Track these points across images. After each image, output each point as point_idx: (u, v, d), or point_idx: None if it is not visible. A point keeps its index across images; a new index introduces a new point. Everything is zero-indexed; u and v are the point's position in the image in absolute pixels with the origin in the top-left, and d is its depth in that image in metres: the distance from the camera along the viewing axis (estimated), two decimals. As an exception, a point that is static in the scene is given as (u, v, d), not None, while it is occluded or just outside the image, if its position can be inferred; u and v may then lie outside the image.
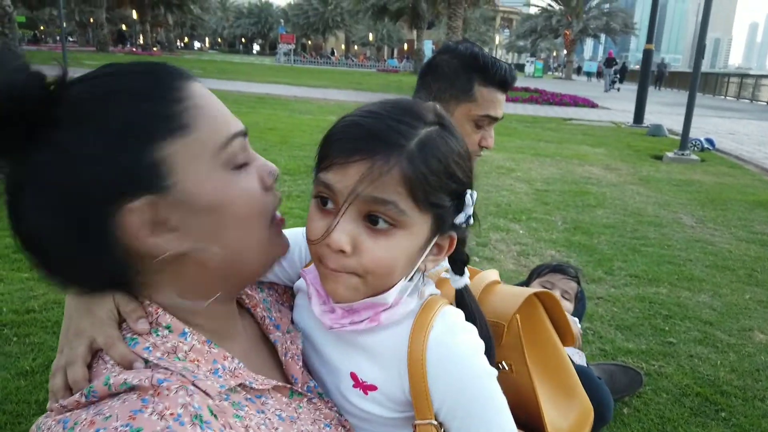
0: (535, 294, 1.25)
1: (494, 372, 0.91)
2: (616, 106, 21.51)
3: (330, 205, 0.85)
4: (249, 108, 13.52)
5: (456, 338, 0.89)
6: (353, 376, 0.93)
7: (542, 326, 1.25)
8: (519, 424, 1.18)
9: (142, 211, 0.69)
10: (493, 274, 1.27)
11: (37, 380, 2.58)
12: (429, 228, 0.87)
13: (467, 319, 0.96)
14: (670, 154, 10.21)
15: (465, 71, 1.81)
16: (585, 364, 2.33)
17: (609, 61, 34.20)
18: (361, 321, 0.89)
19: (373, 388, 0.92)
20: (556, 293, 2.49)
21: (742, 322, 3.77)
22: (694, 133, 10.90)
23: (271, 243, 0.85)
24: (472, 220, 0.92)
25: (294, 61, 49.46)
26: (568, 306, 2.51)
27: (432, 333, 0.88)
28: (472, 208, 0.91)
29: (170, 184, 0.71)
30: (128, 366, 0.73)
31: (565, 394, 1.24)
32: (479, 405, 0.89)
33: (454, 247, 0.94)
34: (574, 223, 5.83)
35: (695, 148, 11.07)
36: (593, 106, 20.73)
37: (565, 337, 1.29)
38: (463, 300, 1.02)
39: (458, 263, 1.00)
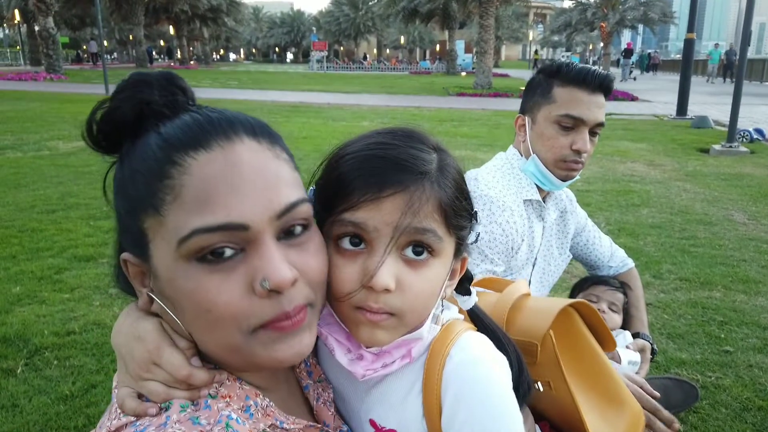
0: (570, 304, 1.17)
1: (519, 417, 0.83)
2: (658, 98, 20.90)
3: (362, 246, 0.80)
4: (283, 117, 13.64)
5: (477, 372, 0.83)
6: (372, 423, 0.89)
7: (580, 336, 1.17)
8: None
9: (131, 263, 0.76)
10: (521, 287, 1.20)
11: (77, 405, 2.58)
12: (453, 252, 0.86)
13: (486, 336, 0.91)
14: (717, 147, 9.81)
15: (546, 79, 1.95)
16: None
17: (627, 52, 36.08)
18: (393, 362, 0.85)
19: None
20: (603, 306, 2.36)
21: (805, 327, 3.54)
22: (741, 123, 10.46)
23: (251, 352, 0.72)
24: (478, 239, 0.91)
25: (327, 67, 49.81)
26: (616, 319, 2.38)
27: (448, 365, 0.83)
28: (480, 227, 0.90)
29: (150, 254, 0.72)
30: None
31: (612, 402, 1.17)
32: None
33: (465, 269, 0.93)
34: (618, 224, 5.63)
35: (744, 140, 10.61)
36: (633, 99, 20.18)
37: (606, 343, 1.22)
38: (477, 319, 0.97)
39: (464, 283, 0.96)
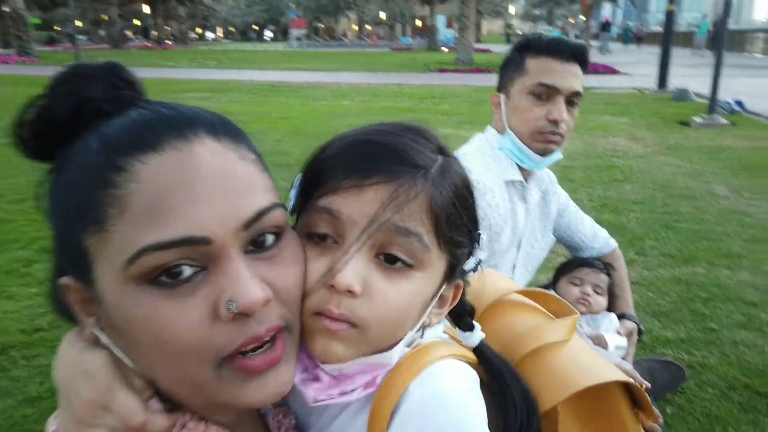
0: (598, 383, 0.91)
1: None
2: (638, 71, 20.87)
3: (330, 241, 0.70)
4: (262, 97, 13.39)
5: (449, 403, 0.68)
6: None
7: (612, 407, 0.95)
8: None
9: (73, 288, 0.65)
10: (560, 331, 0.94)
11: (45, 407, 2.47)
12: (443, 272, 0.74)
13: (494, 381, 0.78)
14: (698, 120, 9.81)
15: (519, 53, 1.92)
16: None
17: (605, 26, 37.62)
18: (354, 390, 0.73)
19: None
20: (587, 288, 2.30)
21: (789, 302, 3.53)
22: (721, 95, 10.44)
23: (219, 392, 0.63)
24: (479, 267, 0.78)
25: (306, 45, 49.10)
26: (601, 301, 2.32)
27: (405, 404, 0.69)
28: (483, 252, 0.76)
29: (93, 277, 0.62)
30: None
31: None
32: None
33: (459, 298, 0.79)
34: (601, 200, 5.59)
35: (724, 112, 10.62)
36: (614, 72, 20.15)
37: (646, 412, 0.98)
38: (485, 358, 0.81)
39: (464, 317, 0.82)
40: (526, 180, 2.03)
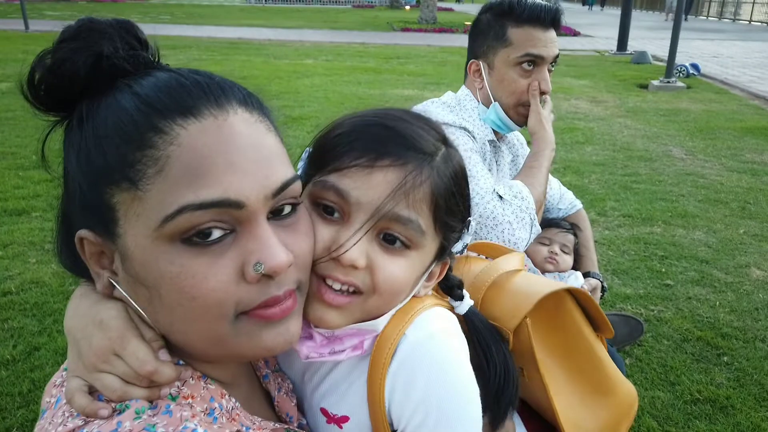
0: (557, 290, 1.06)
1: (476, 390, 0.80)
2: (599, 33, 21.05)
3: (336, 215, 0.75)
4: (222, 55, 13.00)
5: (432, 346, 0.79)
6: (323, 411, 0.85)
7: (570, 320, 1.09)
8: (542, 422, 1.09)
9: (90, 241, 0.66)
10: (513, 260, 1.09)
11: (20, 369, 2.46)
12: (435, 252, 0.81)
13: (476, 347, 0.87)
14: (655, 83, 10.03)
15: (497, 20, 1.85)
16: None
17: None
18: (343, 350, 0.80)
19: (345, 419, 0.83)
20: (555, 248, 2.39)
21: (738, 259, 3.74)
22: (677, 58, 10.68)
23: (236, 342, 0.65)
24: (464, 250, 0.87)
25: (265, 0, 47.58)
26: (568, 260, 2.42)
27: (403, 346, 0.78)
28: (470, 237, 0.85)
29: (118, 233, 0.63)
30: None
31: (598, 390, 1.09)
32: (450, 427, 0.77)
33: (444, 274, 0.88)
34: (564, 162, 5.72)
35: (681, 75, 10.87)
36: (575, 34, 20.25)
37: (603, 329, 1.13)
38: (473, 325, 0.91)
39: (455, 289, 0.91)
40: (498, 142, 2.08)
